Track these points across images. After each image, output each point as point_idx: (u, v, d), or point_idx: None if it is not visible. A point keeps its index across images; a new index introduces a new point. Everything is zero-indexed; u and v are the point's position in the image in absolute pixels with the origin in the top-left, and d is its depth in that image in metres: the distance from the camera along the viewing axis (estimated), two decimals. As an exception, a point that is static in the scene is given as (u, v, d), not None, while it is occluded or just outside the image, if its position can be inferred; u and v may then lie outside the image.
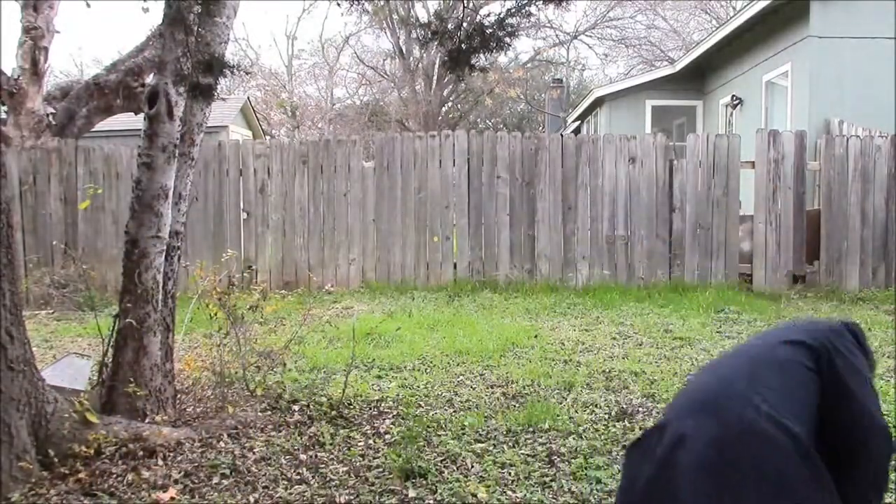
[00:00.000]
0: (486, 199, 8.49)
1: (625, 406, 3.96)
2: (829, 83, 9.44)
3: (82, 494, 2.83)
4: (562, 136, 8.95)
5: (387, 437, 3.53)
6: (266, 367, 4.07)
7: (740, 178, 8.33)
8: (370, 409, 3.95)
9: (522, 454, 3.29)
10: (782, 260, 8.17)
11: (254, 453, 3.27)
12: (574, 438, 3.47)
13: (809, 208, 8.35)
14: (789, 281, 8.13)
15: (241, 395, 3.96)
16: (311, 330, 5.59)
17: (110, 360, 3.61)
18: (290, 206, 8.54)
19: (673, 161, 8.36)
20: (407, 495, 2.87)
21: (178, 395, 3.92)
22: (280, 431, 3.54)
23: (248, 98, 20.97)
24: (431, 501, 2.83)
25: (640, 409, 3.94)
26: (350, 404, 3.96)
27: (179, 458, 3.15)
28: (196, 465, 3.11)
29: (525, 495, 2.86)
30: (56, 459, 2.96)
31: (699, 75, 13.77)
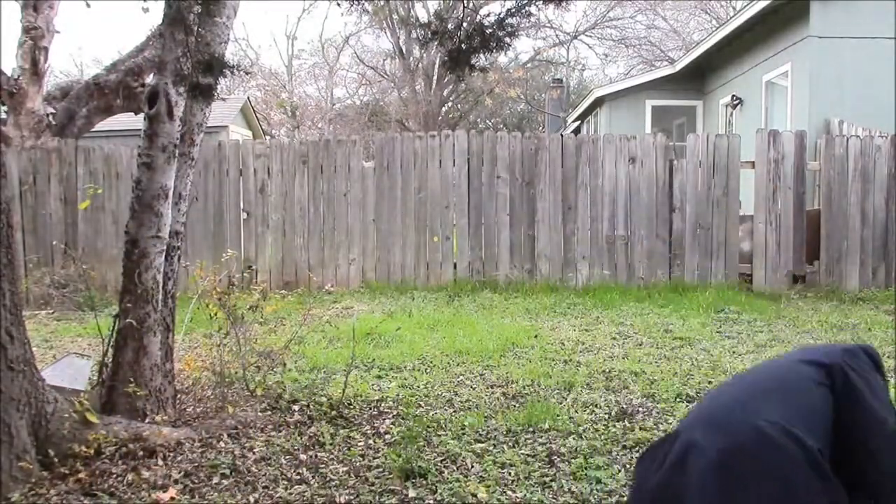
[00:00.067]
0: (486, 199, 8.49)
1: (625, 406, 3.96)
2: (829, 83, 9.44)
3: (82, 494, 2.82)
4: (562, 136, 8.95)
5: (387, 437, 3.53)
6: (266, 367, 4.07)
7: (740, 178, 8.33)
8: (370, 409, 3.95)
9: (522, 454, 3.29)
10: (782, 260, 8.17)
11: (254, 453, 3.27)
12: (574, 438, 3.47)
13: (809, 208, 8.35)
14: (789, 281, 8.13)
15: (241, 395, 3.96)
16: (311, 330, 5.59)
17: (110, 360, 3.61)
18: (290, 206, 8.54)
19: (673, 161, 8.36)
20: (407, 495, 2.87)
21: (178, 395, 3.92)
22: (280, 431, 3.54)
23: (248, 98, 20.98)
24: (431, 501, 2.83)
25: (640, 409, 3.94)
26: (350, 404, 3.96)
27: (179, 458, 3.15)
28: (196, 465, 3.11)
29: (525, 495, 2.86)
30: (56, 459, 2.96)
31: (699, 75, 13.77)
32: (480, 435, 3.55)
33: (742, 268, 8.27)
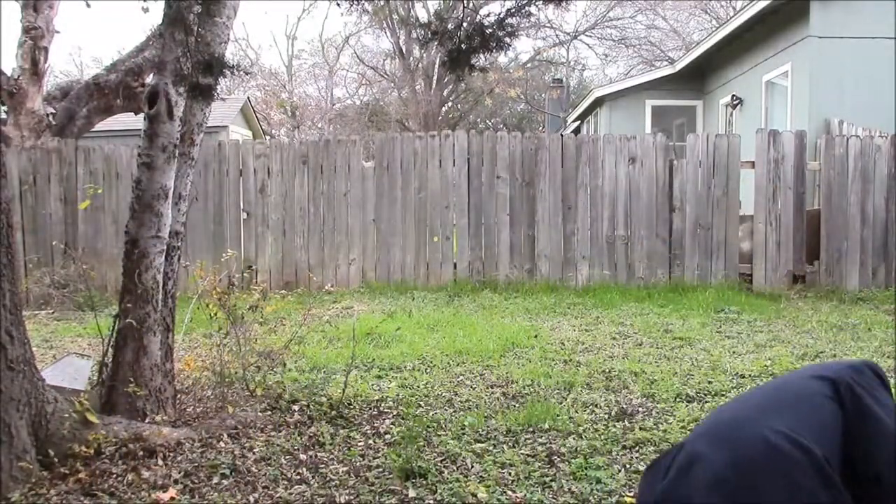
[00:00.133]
0: (486, 199, 8.49)
1: (625, 406, 3.96)
2: (829, 83, 9.44)
3: (82, 494, 2.82)
4: (562, 136, 8.95)
5: (387, 437, 3.53)
6: (266, 367, 4.07)
7: (740, 178, 8.33)
8: (370, 409, 3.95)
9: (522, 454, 3.29)
10: (782, 260, 8.17)
11: (254, 453, 3.27)
12: (574, 438, 3.47)
13: (809, 208, 8.35)
14: (789, 281, 8.13)
15: (241, 395, 3.96)
16: (311, 330, 5.59)
17: (110, 360, 3.61)
18: (290, 206, 8.54)
19: (673, 161, 8.37)
20: (407, 495, 2.87)
21: (178, 395, 3.92)
22: (280, 431, 3.54)
23: (248, 98, 20.98)
24: (431, 501, 2.83)
25: (640, 409, 3.94)
26: (350, 404, 3.96)
27: (179, 458, 3.15)
28: (196, 465, 3.11)
29: (525, 495, 2.86)
30: (56, 459, 2.96)
31: (699, 75, 13.77)
32: (480, 435, 3.55)
33: (742, 268, 8.27)
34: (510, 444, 3.43)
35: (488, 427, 3.65)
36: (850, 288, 7.97)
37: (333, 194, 8.54)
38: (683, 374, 4.65)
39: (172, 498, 2.81)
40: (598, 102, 15.39)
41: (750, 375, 4.59)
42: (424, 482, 2.97)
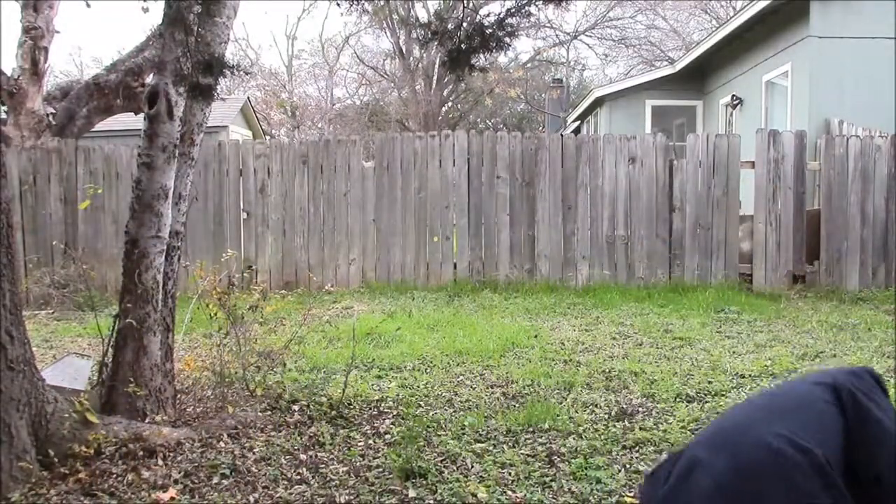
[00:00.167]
0: (486, 199, 8.49)
1: (625, 406, 3.96)
2: (829, 83, 9.44)
3: (82, 494, 2.83)
4: (562, 136, 8.95)
5: (387, 437, 3.53)
6: (266, 367, 4.07)
7: (740, 178, 8.33)
8: (370, 409, 3.95)
9: (522, 454, 3.29)
10: (782, 260, 8.17)
11: (254, 453, 3.27)
12: (574, 438, 3.47)
13: (809, 208, 8.35)
14: (789, 281, 8.13)
15: (241, 395, 3.96)
16: (311, 330, 5.59)
17: (110, 360, 3.61)
18: (290, 206, 8.54)
19: (673, 161, 8.37)
20: (407, 495, 2.87)
21: (178, 395, 3.92)
22: (280, 431, 3.54)
23: (248, 98, 20.98)
24: (431, 501, 2.83)
25: (640, 409, 3.94)
26: (350, 404, 3.96)
27: (179, 458, 3.15)
28: (196, 465, 3.11)
29: (525, 495, 2.86)
30: (56, 459, 2.96)
31: (699, 75, 13.77)
32: (480, 435, 3.55)
33: (742, 268, 8.27)
34: (510, 444, 3.43)
35: (488, 427, 3.65)
36: (850, 288, 7.97)
37: (333, 194, 8.54)
38: (683, 374, 4.65)
39: (172, 498, 2.81)
40: (598, 102, 15.39)
41: (750, 375, 4.59)
42: (424, 482, 2.98)
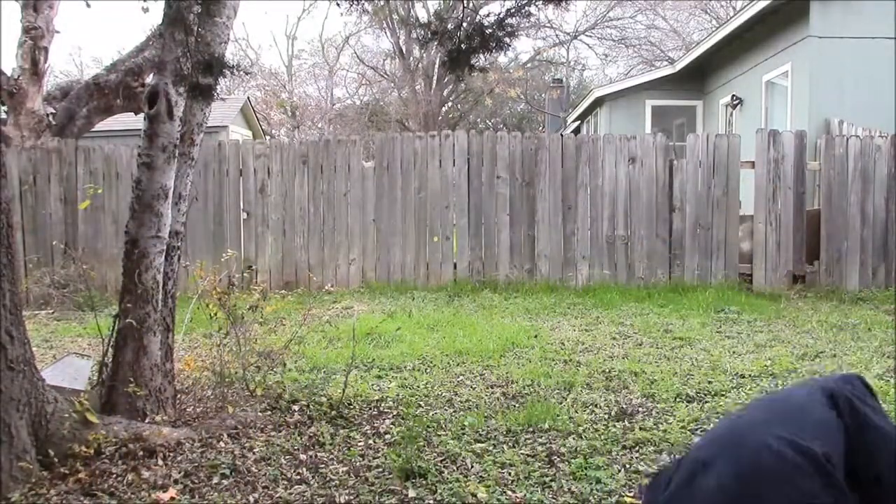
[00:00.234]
0: (486, 199, 8.49)
1: (625, 406, 3.96)
2: (829, 83, 9.44)
3: (82, 494, 2.83)
4: (562, 136, 8.95)
5: (387, 437, 3.53)
6: (266, 367, 4.07)
7: (740, 178, 8.33)
8: (370, 409, 3.95)
9: (522, 454, 3.29)
10: (782, 260, 8.17)
11: (254, 453, 3.27)
12: (574, 438, 3.47)
13: (809, 208, 8.35)
14: (789, 281, 8.13)
15: (241, 395, 3.96)
16: (311, 330, 5.59)
17: (110, 360, 3.61)
18: (290, 206, 8.54)
19: (673, 161, 8.37)
20: (407, 495, 2.87)
21: (178, 395, 3.92)
22: (280, 431, 3.54)
23: (248, 98, 20.98)
24: (431, 501, 2.83)
25: (640, 409, 3.94)
26: (350, 404, 3.96)
27: (179, 458, 3.15)
28: (196, 465, 3.11)
29: (525, 495, 2.86)
30: (56, 459, 2.96)
31: (699, 75, 13.77)
32: (480, 435, 3.55)
33: (742, 268, 8.27)
34: (510, 444, 3.43)
35: (488, 427, 3.65)
36: (850, 288, 7.97)
37: (333, 194, 8.54)
38: (683, 374, 4.65)
39: (172, 498, 2.81)
40: (598, 102, 15.39)
41: (750, 375, 4.59)
42: (424, 482, 2.98)
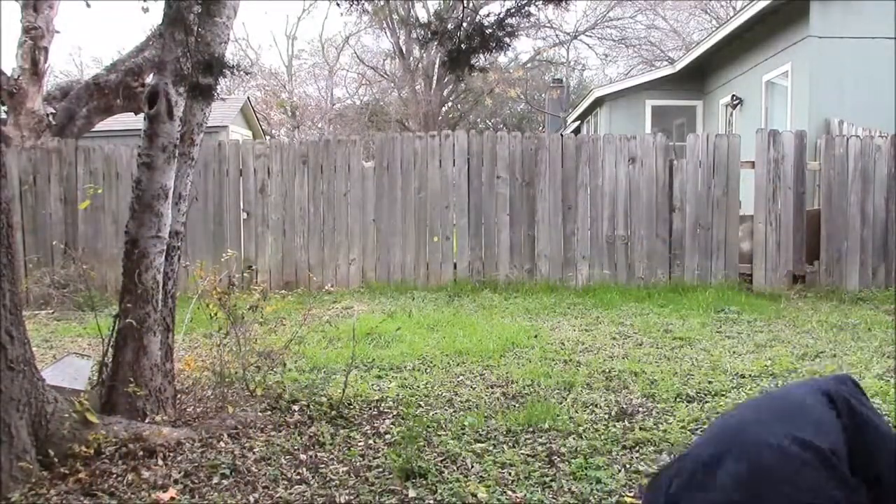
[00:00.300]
0: (486, 199, 8.49)
1: (625, 406, 3.96)
2: (829, 83, 9.44)
3: (82, 494, 2.83)
4: (562, 136, 8.95)
5: (387, 437, 3.53)
6: (266, 367, 4.07)
7: (740, 178, 8.33)
8: (370, 409, 3.95)
9: (522, 454, 3.29)
10: (782, 260, 8.17)
11: (254, 453, 3.27)
12: (574, 438, 3.47)
13: (809, 208, 8.35)
14: (789, 281, 8.13)
15: (241, 395, 3.96)
16: (311, 330, 5.59)
17: (110, 360, 3.61)
18: (290, 206, 8.54)
19: (673, 161, 8.37)
20: (407, 495, 2.87)
21: (178, 395, 3.92)
22: (280, 431, 3.54)
23: (248, 98, 20.98)
24: (431, 501, 2.83)
25: (640, 409, 3.94)
26: (350, 404, 3.96)
27: (179, 458, 3.15)
28: (196, 465, 3.11)
29: (525, 495, 2.86)
30: (56, 459, 2.96)
31: (699, 75, 13.77)
32: (480, 435, 3.55)
33: (742, 268, 8.27)
34: (510, 444, 3.43)
35: (488, 427, 3.65)
36: (850, 288, 7.97)
37: (333, 194, 8.54)
38: (683, 374, 4.65)
39: (172, 498, 2.81)
40: (598, 102, 15.39)
41: (750, 375, 4.59)
42: (424, 482, 2.97)
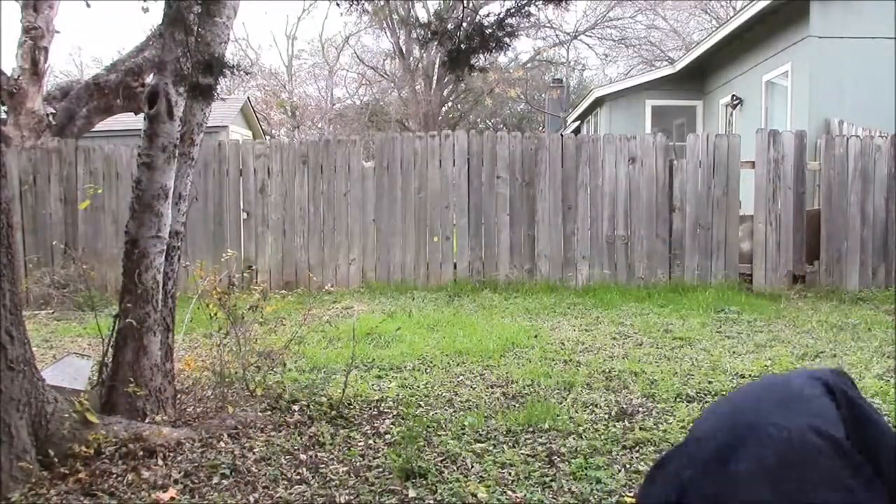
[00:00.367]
0: (486, 199, 8.49)
1: (625, 406, 3.96)
2: (829, 83, 9.44)
3: (82, 494, 2.82)
4: (562, 136, 8.95)
5: (387, 437, 3.53)
6: (266, 367, 4.07)
7: (740, 178, 8.33)
8: (370, 409, 3.95)
9: (522, 454, 3.29)
10: (782, 260, 8.17)
11: (254, 453, 3.27)
12: (574, 438, 3.47)
13: (809, 208, 8.35)
14: (789, 281, 8.13)
15: (241, 395, 3.96)
16: (311, 330, 5.59)
17: (110, 360, 3.61)
18: (290, 206, 8.54)
19: (673, 161, 8.36)
20: (407, 495, 2.87)
21: (178, 395, 3.92)
22: (280, 431, 3.54)
23: (248, 98, 20.97)
24: (431, 501, 2.83)
25: (640, 409, 3.94)
26: (350, 404, 3.96)
27: (179, 458, 3.15)
28: (196, 465, 3.11)
29: (525, 495, 2.86)
30: (56, 459, 2.96)
31: (699, 75, 13.77)
32: (480, 435, 3.55)
33: (742, 268, 8.27)
34: (510, 444, 3.43)
35: (488, 427, 3.65)
36: (850, 288, 7.97)
37: (333, 194, 8.54)
38: (683, 374, 4.65)
39: (172, 498, 2.81)
40: (598, 102, 15.39)
41: (750, 375, 4.59)
42: (424, 482, 2.97)
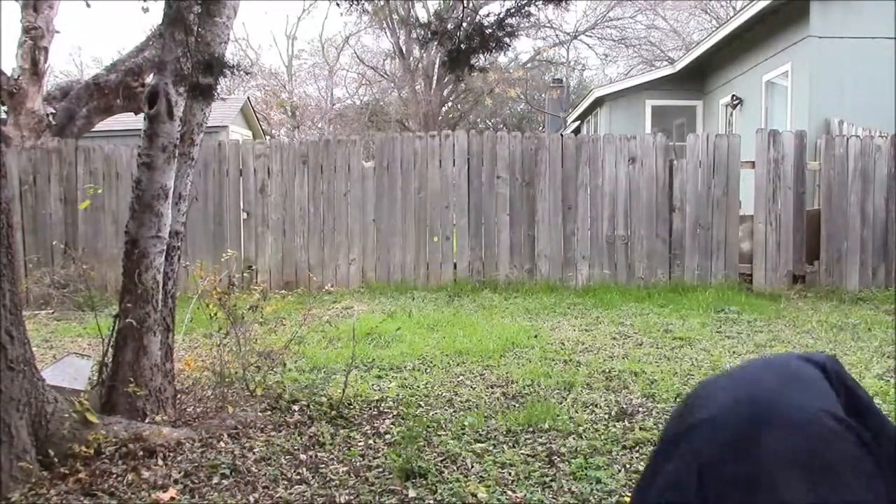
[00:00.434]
0: (486, 199, 8.49)
1: (625, 406, 3.96)
2: (829, 83, 9.44)
3: (82, 494, 2.82)
4: (562, 136, 8.95)
5: (387, 437, 3.53)
6: (266, 367, 4.07)
7: (740, 178, 8.33)
8: (370, 409, 3.95)
9: (522, 454, 3.29)
10: (782, 260, 8.17)
11: (254, 453, 3.27)
12: (574, 438, 3.47)
13: (809, 208, 8.35)
14: (789, 281, 8.13)
15: (241, 395, 3.96)
16: (311, 330, 5.59)
17: (110, 360, 3.61)
18: (290, 206, 8.54)
19: (673, 161, 8.36)
20: (407, 495, 2.87)
21: (178, 395, 3.92)
22: (280, 431, 3.54)
23: (248, 98, 20.96)
24: (431, 501, 2.83)
25: (640, 409, 3.94)
26: (350, 404, 3.96)
27: (179, 458, 3.15)
28: (196, 465, 3.11)
29: (525, 495, 2.86)
30: (56, 459, 2.96)
31: (699, 75, 13.77)
32: (480, 435, 3.55)
33: (742, 268, 8.27)
34: (510, 444, 3.43)
35: (488, 427, 3.65)
36: (850, 288, 7.97)
37: (333, 194, 8.54)
38: (683, 374, 4.65)
39: (172, 498, 2.81)
40: (598, 102, 15.38)
41: (750, 375, 4.59)
42: (424, 482, 2.97)
